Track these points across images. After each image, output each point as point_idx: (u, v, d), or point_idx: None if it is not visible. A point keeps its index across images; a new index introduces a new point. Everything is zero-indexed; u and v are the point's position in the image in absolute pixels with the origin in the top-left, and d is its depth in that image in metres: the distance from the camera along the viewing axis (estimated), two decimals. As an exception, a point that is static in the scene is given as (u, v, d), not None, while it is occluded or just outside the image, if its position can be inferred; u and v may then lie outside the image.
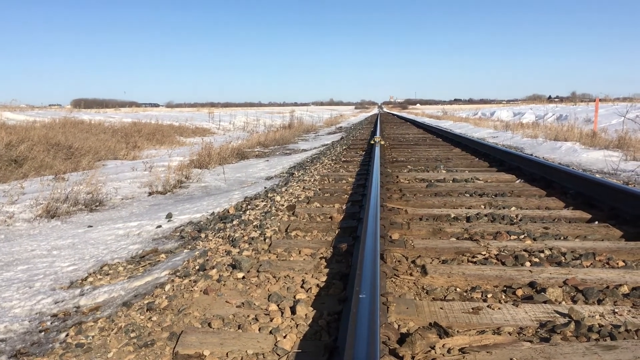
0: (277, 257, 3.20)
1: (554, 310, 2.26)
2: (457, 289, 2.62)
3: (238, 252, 3.28)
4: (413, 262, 3.01)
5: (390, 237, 3.45)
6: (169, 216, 5.00)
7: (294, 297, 2.52)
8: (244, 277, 2.83)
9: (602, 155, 8.64)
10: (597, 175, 6.25)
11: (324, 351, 1.96)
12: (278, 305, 2.41)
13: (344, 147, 11.32)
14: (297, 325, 2.20)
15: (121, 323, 2.33)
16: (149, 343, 2.11)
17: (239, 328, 2.21)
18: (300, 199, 4.98)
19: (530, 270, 2.75)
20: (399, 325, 2.14)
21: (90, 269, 3.48)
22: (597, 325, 2.09)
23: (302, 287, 2.66)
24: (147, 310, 2.45)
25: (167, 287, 2.73)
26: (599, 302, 2.40)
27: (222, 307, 2.45)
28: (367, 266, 2.34)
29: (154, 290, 2.74)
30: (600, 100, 18.55)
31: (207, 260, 3.17)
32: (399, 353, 1.86)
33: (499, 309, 2.29)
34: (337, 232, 3.76)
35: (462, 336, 2.01)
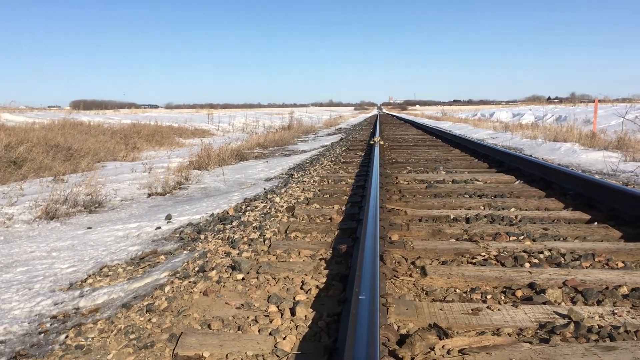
0: (276, 258, 3.20)
1: (554, 311, 2.26)
2: (457, 290, 2.62)
3: (237, 254, 3.28)
4: (412, 263, 3.01)
5: (390, 238, 3.45)
6: (169, 217, 5.00)
7: (294, 298, 2.52)
8: (243, 279, 2.83)
9: (601, 156, 8.65)
10: (597, 176, 6.25)
11: (323, 352, 1.96)
12: (278, 307, 2.41)
13: (344, 149, 11.33)
14: (297, 327, 2.20)
15: (121, 324, 2.33)
16: (148, 344, 2.11)
17: (238, 329, 2.21)
18: (299, 200, 4.98)
19: (529, 271, 2.75)
20: (398, 327, 2.14)
21: (89, 271, 3.48)
22: (597, 326, 2.09)
23: (301, 288, 2.66)
24: (146, 312, 2.45)
25: (167, 288, 2.73)
26: (599, 303, 2.41)
27: (221, 308, 2.45)
28: (366, 267, 2.34)
29: (153, 291, 2.74)
30: (599, 101, 18.57)
31: (207, 261, 3.17)
32: (399, 354, 1.86)
33: (498, 310, 2.29)
34: (336, 233, 3.76)
35: (461, 337, 2.02)
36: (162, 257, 3.63)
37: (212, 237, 3.88)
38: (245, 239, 3.61)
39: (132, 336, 2.20)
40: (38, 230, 4.99)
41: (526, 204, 4.62)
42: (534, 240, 3.42)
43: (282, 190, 5.66)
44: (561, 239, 3.50)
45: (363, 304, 1.94)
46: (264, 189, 6.44)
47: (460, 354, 1.89)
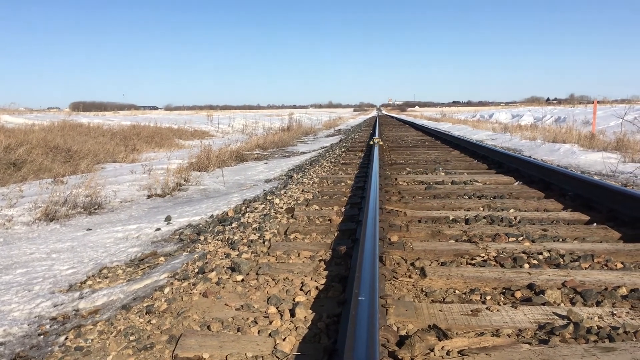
0: (276, 259, 3.20)
1: (553, 312, 2.27)
2: (456, 291, 2.62)
3: (237, 255, 3.28)
4: (412, 264, 3.01)
5: (389, 239, 3.45)
6: (168, 219, 5.00)
7: (293, 299, 2.52)
8: (243, 280, 2.83)
9: (600, 157, 8.66)
10: (596, 177, 6.26)
11: (323, 354, 1.96)
12: (277, 308, 2.41)
13: (343, 150, 11.33)
14: (297, 328, 2.20)
15: (120, 326, 2.33)
16: (148, 346, 2.11)
17: (238, 331, 2.21)
18: (299, 202, 4.99)
19: (529, 272, 2.75)
20: (398, 328, 2.14)
21: (89, 272, 3.48)
22: (596, 327, 2.10)
23: (301, 289, 2.66)
24: (146, 313, 2.45)
25: (167, 290, 2.73)
26: (598, 303, 2.41)
27: (221, 309, 2.45)
28: (366, 268, 2.34)
29: (153, 293, 2.74)
30: (598, 102, 18.59)
31: (206, 263, 3.17)
32: (398, 355, 1.86)
33: (497, 311, 2.30)
34: (336, 234, 3.76)
35: (461, 338, 2.02)
36: (162, 258, 3.63)
37: (212, 238, 3.88)
38: (245, 241, 3.61)
39: (131, 338, 2.20)
40: (37, 232, 4.99)
41: (525, 205, 4.63)
42: (533, 241, 3.43)
43: (282, 192, 5.66)
44: (560, 240, 3.51)
45: (362, 305, 1.95)
46: (264, 190, 6.44)
47: (459, 354, 1.89)
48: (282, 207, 4.71)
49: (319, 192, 5.54)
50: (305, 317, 2.30)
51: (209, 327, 2.23)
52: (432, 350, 1.92)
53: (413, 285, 2.69)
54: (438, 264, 3.05)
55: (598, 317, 2.21)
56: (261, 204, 5.11)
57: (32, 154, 10.09)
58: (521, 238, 3.48)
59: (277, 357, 1.97)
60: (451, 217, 4.15)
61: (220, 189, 7.53)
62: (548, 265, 2.95)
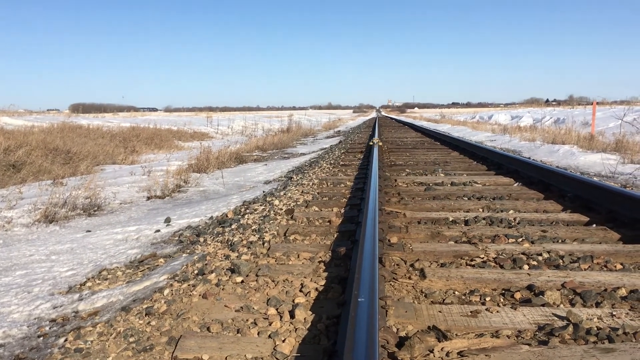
0: (275, 261, 3.20)
1: (552, 313, 2.27)
2: (456, 292, 2.62)
3: (237, 256, 3.28)
4: (412, 265, 3.01)
5: (389, 240, 3.46)
6: (168, 220, 5.00)
7: (293, 301, 2.52)
8: (242, 281, 2.83)
9: (599, 158, 8.67)
10: (595, 178, 6.26)
11: (322, 355, 1.96)
12: (277, 309, 2.41)
13: (343, 151, 11.34)
14: (296, 329, 2.20)
15: (120, 328, 2.33)
16: (147, 348, 2.11)
17: (237, 332, 2.21)
18: (298, 203, 4.99)
19: (528, 273, 2.75)
20: (397, 329, 2.15)
21: (88, 274, 3.48)
22: (595, 328, 2.10)
23: (300, 291, 2.66)
24: (145, 315, 2.45)
25: (166, 291, 2.73)
26: (597, 304, 2.41)
27: (221, 311, 2.45)
28: (365, 270, 2.34)
29: (152, 294, 2.74)
30: (597, 103, 18.60)
31: (206, 264, 3.17)
32: (398, 357, 1.86)
33: (497, 312, 2.30)
34: (335, 235, 3.76)
35: (460, 339, 2.02)
36: (162, 260, 3.63)
37: (212, 240, 3.88)
38: (245, 242, 3.61)
39: (131, 339, 2.20)
40: (37, 234, 4.98)
41: (525, 206, 4.63)
42: (532, 242, 3.43)
43: (281, 193, 5.66)
44: (560, 241, 3.51)
45: (362, 306, 1.95)
46: (263, 191, 6.44)
47: (459, 356, 1.90)
48: (281, 209, 4.71)
49: (318, 193, 5.54)
50: (304, 319, 2.30)
51: (208, 329, 2.23)
52: (431, 351, 1.92)
53: (412, 286, 2.69)
54: (437, 265, 3.05)
55: (597, 318, 2.21)
56: (261, 205, 5.11)
57: (31, 155, 10.09)
58: (521, 239, 3.49)
59: (276, 358, 1.97)
60: (451, 219, 4.15)
61: (220, 191, 7.53)
62: (547, 266, 2.95)
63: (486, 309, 2.32)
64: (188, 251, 3.69)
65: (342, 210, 4.58)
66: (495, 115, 34.37)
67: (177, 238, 4.32)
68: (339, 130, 28.01)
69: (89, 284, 3.28)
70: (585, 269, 2.90)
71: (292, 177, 7.51)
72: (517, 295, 2.52)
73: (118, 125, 22.08)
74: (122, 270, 3.50)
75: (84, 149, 12.39)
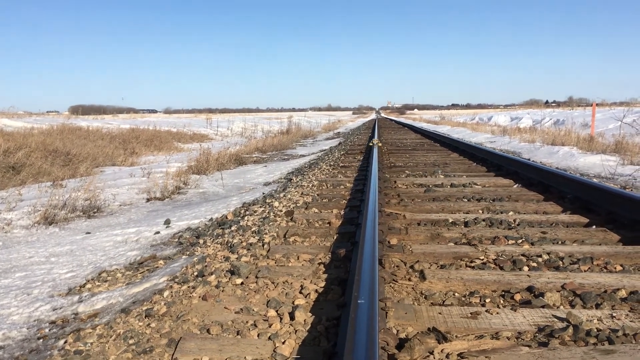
0: (275, 262, 3.20)
1: (552, 315, 2.27)
2: (456, 294, 2.62)
3: (236, 258, 3.28)
4: (411, 267, 3.01)
5: (389, 242, 3.45)
6: (167, 222, 5.00)
7: (293, 302, 2.52)
8: (242, 283, 2.83)
9: (599, 160, 8.67)
10: (595, 180, 6.27)
11: (322, 357, 1.96)
12: (277, 311, 2.41)
13: (342, 153, 11.34)
14: (296, 331, 2.20)
15: (120, 330, 2.32)
16: (147, 349, 2.10)
17: (237, 334, 2.21)
18: (298, 205, 4.99)
19: (528, 275, 2.75)
20: (397, 331, 2.14)
21: (88, 276, 3.48)
22: (595, 330, 2.10)
23: (300, 292, 2.66)
24: (145, 317, 2.45)
25: (166, 293, 2.73)
26: (597, 306, 2.41)
27: (220, 313, 2.45)
28: (365, 271, 2.34)
29: (152, 296, 2.73)
30: (597, 104, 18.61)
31: (206, 266, 3.17)
32: (398, 358, 1.86)
33: (497, 313, 2.30)
34: (335, 237, 3.76)
35: (460, 341, 2.02)
36: (161, 261, 3.62)
37: (211, 241, 3.88)
38: (244, 244, 3.61)
39: (131, 341, 2.20)
40: (37, 236, 4.98)
41: (524, 208, 4.63)
42: (532, 243, 3.43)
43: (281, 195, 5.66)
44: (559, 242, 3.51)
45: (362, 308, 1.95)
46: (263, 193, 6.44)
47: (459, 357, 1.90)
48: (281, 210, 4.71)
49: (318, 195, 5.54)
50: (304, 320, 2.30)
51: (208, 331, 2.23)
52: (431, 353, 1.92)
53: (412, 288, 2.69)
54: (437, 266, 3.05)
55: (597, 320, 2.21)
56: (260, 207, 5.11)
57: (31, 157, 10.09)
58: (520, 241, 3.49)
59: (276, 360, 1.97)
60: (450, 220, 4.15)
61: (220, 192, 7.53)
62: (547, 267, 2.95)
63: (486, 311, 2.32)
64: (188, 253, 3.69)
65: (342, 212, 4.58)
66: (494, 117, 34.39)
67: (176, 240, 4.32)
68: (338, 132, 28.02)
69: (88, 285, 3.28)
70: (585, 271, 2.90)
71: (291, 179, 7.51)
72: (517, 297, 2.52)
73: (117, 127, 22.09)
74: (122, 272, 3.50)
75: (83, 151, 12.40)
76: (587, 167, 8.38)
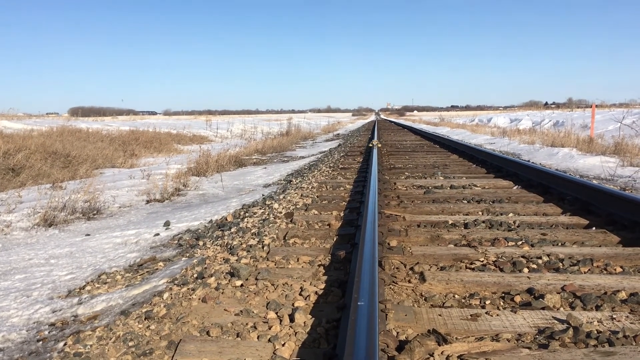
0: (275, 264, 3.20)
1: (552, 317, 2.27)
2: (456, 296, 2.62)
3: (236, 260, 3.28)
4: (411, 269, 3.01)
5: (389, 244, 3.45)
6: (167, 224, 5.00)
7: (293, 304, 2.52)
8: (242, 285, 2.83)
9: (599, 161, 8.68)
10: (594, 181, 6.27)
11: (322, 359, 1.96)
12: (276, 313, 2.41)
13: (342, 154, 11.34)
14: (296, 333, 2.20)
15: (119, 332, 2.32)
16: (147, 352, 2.10)
17: (237, 336, 2.21)
18: (298, 207, 4.99)
19: (528, 277, 2.75)
20: (397, 333, 2.14)
21: (88, 278, 3.47)
22: (595, 332, 2.10)
23: (300, 294, 2.66)
24: (145, 319, 2.44)
25: (166, 295, 2.73)
26: (597, 308, 2.41)
27: (220, 315, 2.45)
28: (365, 273, 2.34)
29: (152, 298, 2.73)
30: (596, 106, 18.62)
31: (205, 268, 3.17)
32: (398, 360, 1.86)
33: (497, 315, 2.29)
34: (335, 239, 3.76)
35: (460, 343, 2.02)
36: (161, 263, 3.62)
37: (211, 243, 3.88)
38: (244, 246, 3.61)
39: (130, 343, 2.19)
40: (36, 238, 4.98)
41: (524, 209, 4.63)
42: (532, 245, 3.43)
43: (281, 197, 5.66)
44: (559, 244, 3.51)
45: (362, 310, 1.94)
46: (263, 195, 6.44)
47: (459, 359, 1.89)
48: (281, 212, 4.71)
49: (317, 196, 5.54)
50: (304, 322, 2.30)
51: (208, 333, 2.23)
52: (431, 355, 1.92)
53: (412, 289, 2.69)
54: (437, 268, 3.05)
55: (597, 322, 2.21)
56: (260, 208, 5.11)
57: (30, 159, 10.09)
58: (520, 242, 3.49)
59: (276, 362, 1.97)
60: (450, 222, 4.15)
61: (219, 194, 7.53)
62: (547, 269, 2.95)
63: (486, 313, 2.32)
64: (187, 255, 3.69)
65: (342, 214, 4.58)
66: (494, 118, 34.41)
67: (176, 242, 4.31)
68: (338, 134, 28.03)
69: (88, 287, 3.27)
70: (585, 272, 2.90)
71: (291, 181, 7.51)
72: (517, 299, 2.52)
73: (117, 129, 22.08)
74: (122, 274, 3.49)
75: (83, 153, 12.39)
76: (586, 168, 8.38)
